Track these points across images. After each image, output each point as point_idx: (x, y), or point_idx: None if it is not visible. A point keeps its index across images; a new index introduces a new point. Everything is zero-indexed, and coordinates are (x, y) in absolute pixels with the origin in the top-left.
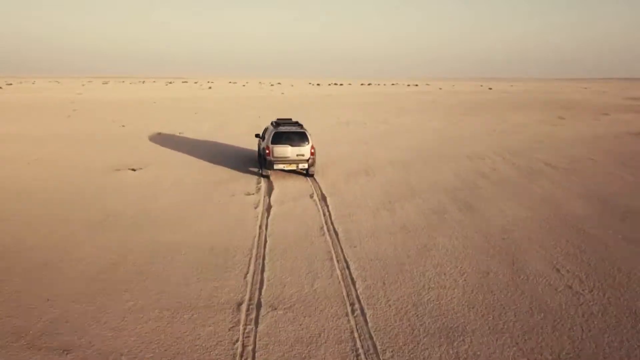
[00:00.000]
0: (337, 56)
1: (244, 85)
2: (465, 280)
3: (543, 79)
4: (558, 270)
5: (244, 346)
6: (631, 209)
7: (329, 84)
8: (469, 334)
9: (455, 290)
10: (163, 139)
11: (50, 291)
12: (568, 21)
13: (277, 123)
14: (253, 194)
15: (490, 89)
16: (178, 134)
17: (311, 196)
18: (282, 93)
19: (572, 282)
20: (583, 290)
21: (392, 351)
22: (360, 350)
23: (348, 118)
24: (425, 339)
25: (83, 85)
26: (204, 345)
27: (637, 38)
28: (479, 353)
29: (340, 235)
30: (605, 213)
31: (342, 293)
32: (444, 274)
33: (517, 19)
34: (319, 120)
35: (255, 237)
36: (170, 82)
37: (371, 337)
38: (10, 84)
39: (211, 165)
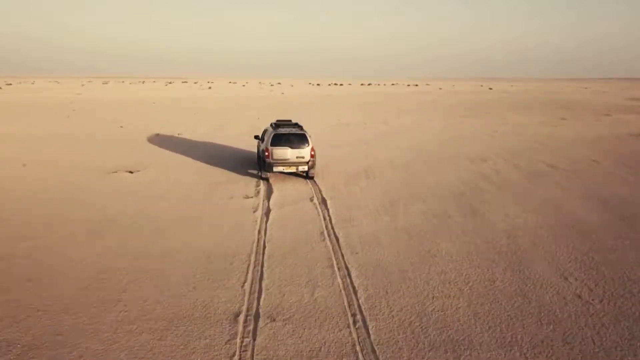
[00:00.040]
0: (337, 56)
1: (243, 86)
2: (470, 288)
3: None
4: (566, 278)
5: None
6: (637, 213)
7: (329, 84)
8: (475, 347)
9: (461, 299)
10: (161, 140)
11: (41, 301)
12: (568, 21)
13: (277, 124)
14: (252, 197)
15: (490, 89)
16: (177, 135)
17: (311, 199)
18: (282, 93)
19: (580, 290)
20: (593, 299)
21: None
22: None
23: (348, 118)
24: (430, 353)
25: (83, 85)
26: None
27: (637, 38)
28: None
29: (340, 240)
30: (611, 217)
31: (343, 303)
32: (449, 282)
33: (517, 19)
34: (319, 120)
35: (253, 242)
36: (170, 82)
37: (374, 351)
38: (10, 84)
39: (210, 167)
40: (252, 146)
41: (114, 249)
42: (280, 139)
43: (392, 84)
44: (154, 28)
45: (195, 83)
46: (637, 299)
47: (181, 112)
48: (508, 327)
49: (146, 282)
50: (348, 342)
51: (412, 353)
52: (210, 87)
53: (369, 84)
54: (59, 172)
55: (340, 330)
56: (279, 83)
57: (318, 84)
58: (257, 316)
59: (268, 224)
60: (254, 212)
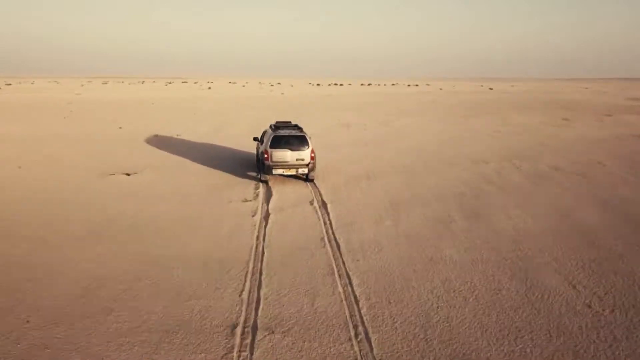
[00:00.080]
0: (337, 56)
1: (243, 86)
2: (476, 298)
3: (543, 79)
4: (574, 287)
5: None
6: None
7: (329, 84)
8: None
9: (466, 309)
10: (160, 141)
11: (31, 311)
12: (568, 21)
13: (276, 126)
14: (251, 200)
15: (491, 89)
16: (175, 136)
17: (311, 203)
18: (282, 93)
19: (590, 300)
20: (603, 310)
21: None
22: None
23: (348, 119)
24: None
25: (82, 85)
26: None
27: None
28: None
29: (341, 246)
30: (618, 221)
31: (344, 313)
32: (453, 291)
33: (517, 19)
34: (319, 121)
35: (252, 248)
36: (170, 82)
37: None
38: (10, 84)
39: (208, 169)
40: (251, 147)
41: (108, 257)
42: (279, 141)
43: (392, 84)
44: (154, 28)
45: (195, 83)
46: None
47: (181, 113)
48: (516, 340)
49: (140, 291)
50: (350, 356)
51: None
52: (210, 88)
53: (369, 84)
54: (54, 174)
55: (341, 344)
56: (279, 83)
57: (318, 84)
58: (255, 328)
59: (267, 229)
60: (253, 216)
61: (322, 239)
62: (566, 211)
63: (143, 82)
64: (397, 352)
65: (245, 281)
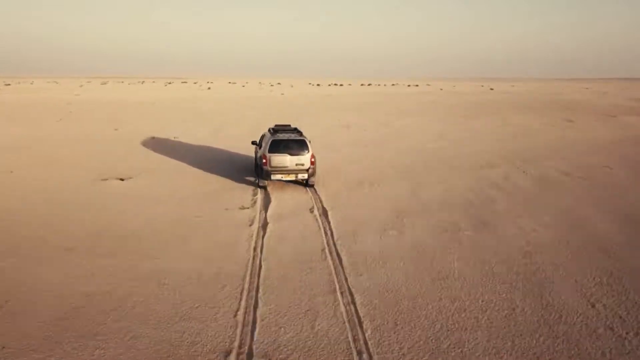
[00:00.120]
0: (337, 56)
1: (243, 86)
2: (489, 319)
3: (543, 79)
4: (593, 305)
5: None
6: None
7: (329, 84)
8: None
9: (479, 332)
10: (157, 144)
11: (9, 335)
12: (568, 21)
13: (275, 130)
14: (248, 208)
15: (491, 89)
16: (173, 138)
17: (311, 210)
18: (282, 94)
19: (612, 321)
20: (627, 333)
21: None
22: None
23: (348, 119)
24: None
25: (81, 85)
26: None
27: (637, 38)
28: None
29: (343, 260)
30: (632, 231)
31: (347, 337)
32: (464, 311)
33: (517, 19)
34: (319, 121)
35: (248, 261)
36: (170, 83)
37: None
38: (9, 84)
39: (205, 173)
40: (250, 151)
41: (96, 271)
42: (278, 146)
43: (393, 84)
44: (154, 28)
45: (195, 83)
46: None
47: (180, 113)
48: None
49: (128, 311)
50: None
51: None
52: (209, 88)
53: (369, 84)
54: (46, 178)
55: None
56: (278, 83)
57: (318, 84)
58: (250, 355)
59: (265, 240)
60: (250, 225)
61: (323, 250)
62: (578, 220)
63: (143, 82)
64: None
65: (240, 299)
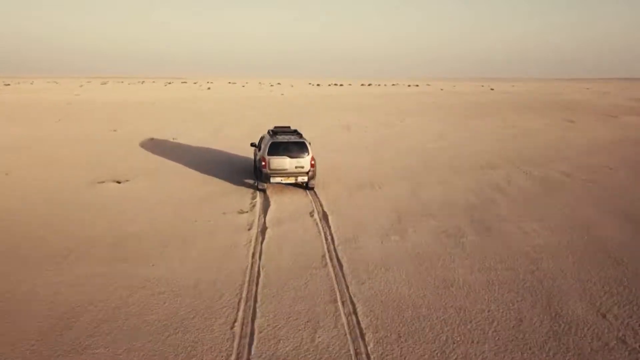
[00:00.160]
0: (337, 56)
1: (243, 86)
2: (495, 330)
3: (543, 79)
4: (604, 316)
5: None
6: None
7: (329, 85)
8: None
9: (486, 345)
10: (155, 145)
11: None
12: (568, 21)
13: (274, 132)
14: (247, 211)
15: (492, 89)
16: (172, 139)
17: (311, 214)
18: (282, 94)
19: (624, 333)
20: None
21: None
22: None
23: (348, 120)
24: None
25: (81, 85)
26: None
27: (637, 38)
28: None
29: (344, 266)
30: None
31: (349, 350)
32: (470, 322)
33: (517, 19)
34: (319, 122)
35: (247, 268)
36: (170, 83)
37: None
38: (8, 85)
39: (204, 176)
40: (250, 152)
41: (88, 279)
42: (278, 148)
43: (393, 84)
44: (154, 28)
45: (195, 83)
46: None
47: (180, 113)
48: None
49: (121, 322)
50: None
51: None
52: (209, 88)
53: (369, 84)
54: (40, 181)
55: None
56: (278, 83)
57: (318, 84)
58: None
59: (263, 245)
60: (249, 230)
61: (324, 256)
62: (584, 224)
63: (143, 82)
64: None
65: (238, 310)
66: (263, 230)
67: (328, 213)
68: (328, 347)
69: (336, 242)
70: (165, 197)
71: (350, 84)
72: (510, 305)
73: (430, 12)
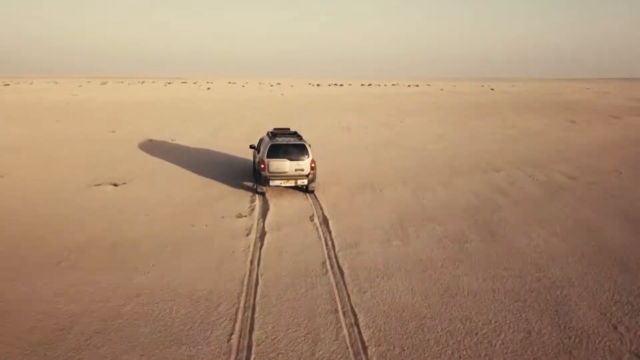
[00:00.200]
0: (337, 56)
1: (243, 86)
2: (503, 343)
3: (543, 79)
4: (615, 327)
5: None
6: None
7: (329, 85)
8: None
9: None
10: (154, 147)
11: None
12: (568, 21)
13: (274, 134)
14: (245, 216)
15: (492, 89)
16: (170, 141)
17: (311, 218)
18: (282, 94)
19: (637, 347)
20: None
21: None
22: None
23: (349, 120)
24: None
25: (80, 86)
26: None
27: (637, 38)
28: None
29: (345, 274)
30: None
31: None
32: (476, 334)
33: (517, 19)
34: (319, 122)
35: (245, 276)
36: (169, 83)
37: None
38: (8, 85)
39: (202, 178)
40: (249, 154)
41: (81, 287)
42: (277, 150)
43: (393, 84)
44: (154, 28)
45: (195, 83)
46: None
47: (179, 113)
48: None
49: (114, 334)
50: None
51: None
52: (209, 88)
53: (369, 84)
54: (35, 184)
55: None
56: (278, 83)
57: (318, 84)
58: None
59: (262, 251)
60: (247, 235)
61: (324, 263)
62: (591, 229)
63: (143, 83)
64: None
65: (235, 320)
66: (262, 235)
67: (328, 217)
68: None
69: (337, 248)
70: (162, 200)
71: (350, 84)
72: (518, 315)
73: (430, 12)
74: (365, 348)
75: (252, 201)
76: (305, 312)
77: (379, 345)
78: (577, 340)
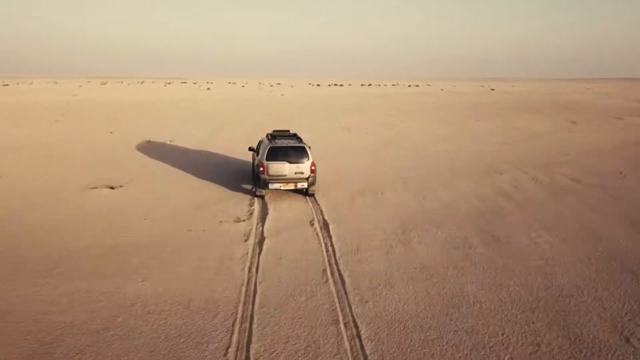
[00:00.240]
0: (337, 56)
1: (243, 86)
2: (512, 358)
3: (543, 79)
4: (627, 340)
5: None
6: None
7: (329, 85)
8: None
9: None
10: (152, 148)
11: None
12: (568, 21)
13: (273, 136)
14: (244, 220)
15: (492, 89)
16: (169, 142)
17: (311, 223)
18: (282, 94)
19: None
20: None
21: None
22: None
23: (349, 121)
24: None
25: (80, 86)
26: None
27: (637, 38)
28: None
29: (347, 282)
30: None
31: None
32: (483, 347)
33: (517, 19)
34: (319, 123)
35: (243, 285)
36: (169, 83)
37: None
38: (7, 85)
39: (200, 180)
40: (248, 155)
41: (73, 297)
42: (276, 153)
43: (393, 85)
44: (154, 28)
45: (195, 83)
46: None
47: (179, 113)
48: None
49: (106, 347)
50: None
51: None
52: (209, 88)
53: (369, 85)
54: (31, 186)
55: None
56: (278, 83)
57: (318, 85)
58: None
59: (261, 258)
60: (246, 240)
61: (324, 271)
62: (597, 234)
63: (142, 83)
64: None
65: (232, 332)
66: (261, 241)
67: (329, 221)
68: None
69: (337, 254)
70: (159, 204)
71: (350, 84)
72: (526, 327)
73: (430, 12)
74: None
75: (251, 205)
76: (305, 323)
77: None
78: (588, 353)
